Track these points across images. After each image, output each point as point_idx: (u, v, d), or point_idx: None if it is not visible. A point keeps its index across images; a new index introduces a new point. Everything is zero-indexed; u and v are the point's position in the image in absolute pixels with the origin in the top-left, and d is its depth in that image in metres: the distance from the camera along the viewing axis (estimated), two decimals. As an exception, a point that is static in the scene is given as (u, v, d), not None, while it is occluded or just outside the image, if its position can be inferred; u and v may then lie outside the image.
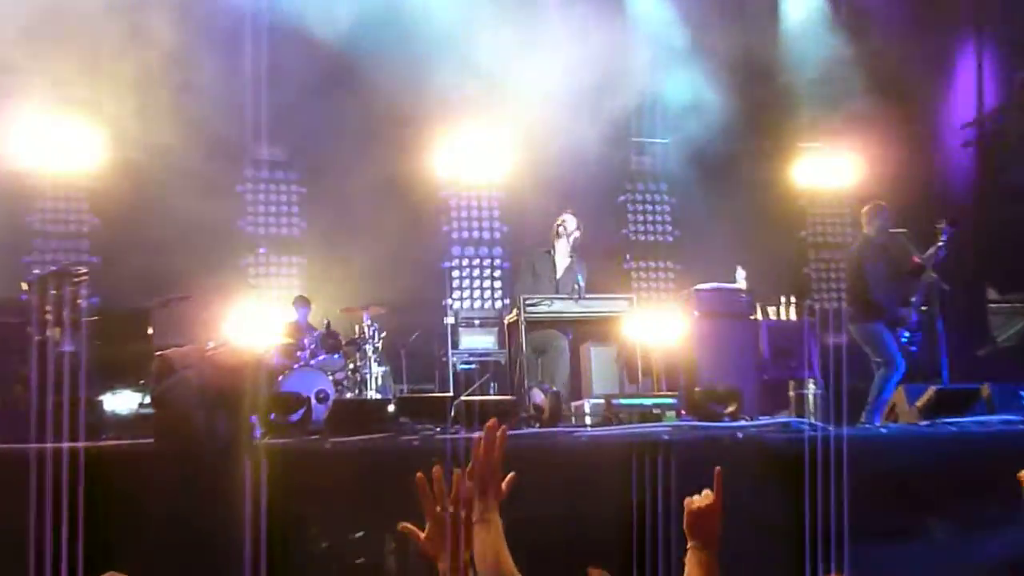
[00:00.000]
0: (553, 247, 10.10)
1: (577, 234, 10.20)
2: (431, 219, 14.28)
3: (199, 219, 12.43)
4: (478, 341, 13.36)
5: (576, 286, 9.72)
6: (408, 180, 13.65)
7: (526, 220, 12.38)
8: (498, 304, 13.87)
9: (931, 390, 9.12)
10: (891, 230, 10.58)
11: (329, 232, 13.62)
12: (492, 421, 3.13)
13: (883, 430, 8.30)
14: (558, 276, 10.03)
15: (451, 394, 11.67)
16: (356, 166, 13.16)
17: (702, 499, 3.43)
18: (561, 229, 10.12)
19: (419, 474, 3.13)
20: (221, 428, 6.32)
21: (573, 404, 11.30)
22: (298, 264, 14.00)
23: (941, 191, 14.03)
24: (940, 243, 10.40)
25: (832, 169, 15.19)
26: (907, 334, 10.33)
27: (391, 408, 8.32)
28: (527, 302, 9.39)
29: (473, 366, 13.49)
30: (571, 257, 10.12)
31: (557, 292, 9.95)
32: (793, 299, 13.18)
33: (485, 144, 14.14)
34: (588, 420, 10.07)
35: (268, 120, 13.70)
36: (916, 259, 10.57)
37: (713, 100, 13.92)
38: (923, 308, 10.58)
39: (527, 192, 13.40)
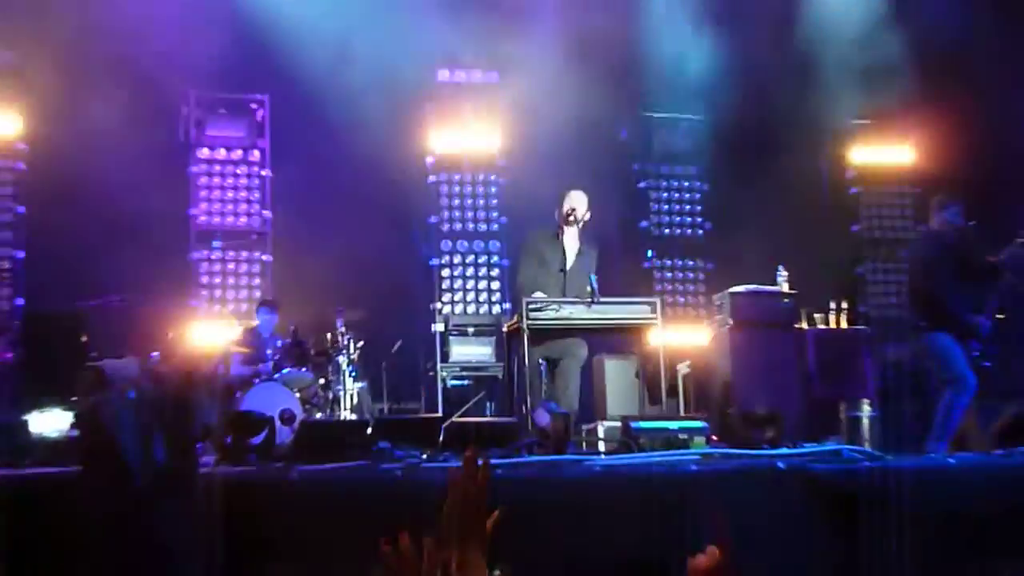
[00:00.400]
0: (561, 230, 10.03)
1: (587, 216, 10.12)
2: (417, 208, 14.25)
3: (142, 207, 12.41)
4: (472, 352, 13.33)
5: (590, 288, 9.64)
6: (391, 162, 13.61)
7: (529, 209, 12.34)
8: (496, 308, 13.85)
9: (1008, 413, 9.05)
10: (962, 224, 10.51)
11: (297, 223, 13.56)
12: (470, 451, 3.02)
13: (951, 460, 8.21)
14: (567, 265, 9.95)
15: (440, 415, 11.63)
16: (330, 146, 13.11)
17: (707, 558, 3.06)
18: (569, 210, 10.02)
19: (384, 546, 3.00)
20: (160, 456, 6.26)
21: (585, 427, 11.28)
22: (260, 261, 13.91)
23: (1018, 178, 13.98)
24: (1020, 240, 10.35)
25: (891, 151, 15.18)
26: (980, 346, 10.27)
27: (369, 431, 8.25)
28: (531, 306, 9.31)
29: (466, 382, 13.46)
30: (581, 243, 10.03)
31: (565, 284, 9.86)
32: (845, 305, 13.14)
33: (481, 120, 14.13)
34: (602, 447, 10.02)
35: (223, 92, 13.71)
36: (991, 259, 10.50)
37: (752, 69, 13.88)
38: (999, 316, 10.51)
39: (530, 176, 13.35)
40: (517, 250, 10.47)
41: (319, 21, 12.91)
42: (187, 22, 12.62)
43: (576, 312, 9.43)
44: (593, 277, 9.69)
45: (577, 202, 10.06)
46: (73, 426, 8.40)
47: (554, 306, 9.41)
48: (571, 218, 9.95)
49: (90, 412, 6.42)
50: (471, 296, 13.97)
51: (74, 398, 9.93)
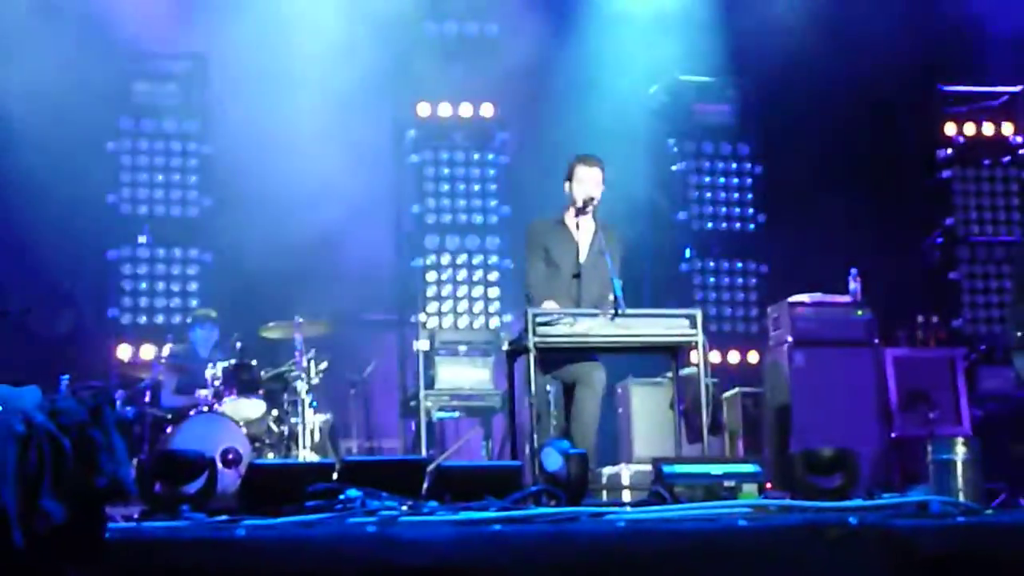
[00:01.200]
0: (567, 212, 9.99)
1: (597, 193, 10.03)
2: (396, 195, 14.24)
3: (49, 191, 12.40)
4: (464, 376, 13.37)
5: (612, 296, 9.63)
6: (362, 135, 13.60)
7: (538, 196, 12.36)
8: (494, 322, 13.80)
9: None
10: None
11: (245, 212, 13.51)
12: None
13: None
14: (582, 260, 9.91)
15: (424, 456, 11.64)
16: (283, 113, 13.10)
17: None
18: (585, 198, 9.96)
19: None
20: (54, 511, 6.23)
21: (606, 471, 11.28)
22: (198, 260, 13.87)
23: None
24: None
25: (993, 127, 15.18)
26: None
27: (334, 476, 8.26)
28: (538, 319, 9.29)
29: (457, 414, 13.50)
30: (600, 235, 9.97)
31: (580, 291, 9.82)
32: (934, 319, 13.16)
33: (472, 81, 14.14)
34: (628, 496, 10.03)
35: (152, 42, 13.71)
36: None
37: (817, 23, 13.92)
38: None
39: (539, 154, 13.37)
40: (523, 248, 10.38)
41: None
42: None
43: (595, 327, 9.39)
44: (617, 282, 9.67)
45: (594, 183, 9.99)
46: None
47: (568, 319, 9.37)
48: (588, 207, 9.90)
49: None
50: (463, 306, 13.87)
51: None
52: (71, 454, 6.23)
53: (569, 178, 9.97)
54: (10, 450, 6.23)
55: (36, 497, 6.12)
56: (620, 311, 9.37)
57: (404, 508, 7.57)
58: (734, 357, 14.08)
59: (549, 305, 9.68)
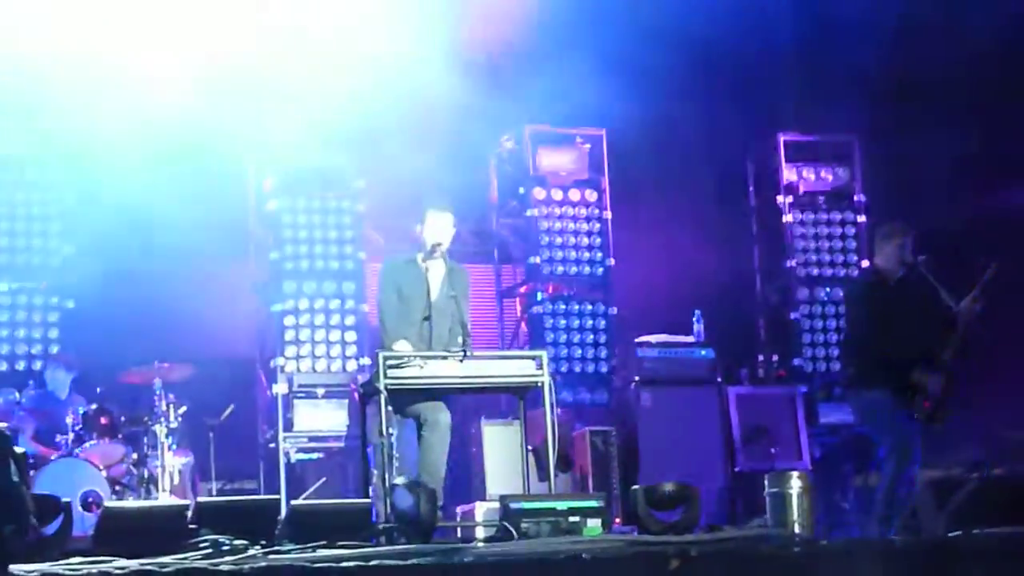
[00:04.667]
0: (418, 254, 10.06)
1: (447, 238, 10.13)
2: (254, 236, 14.17)
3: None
4: (323, 419, 13.32)
5: (462, 338, 9.69)
6: (221, 182, 13.56)
7: (396, 240, 12.39)
8: (351, 365, 13.75)
9: (968, 484, 9.24)
10: (910, 259, 10.71)
11: (101, 248, 13.36)
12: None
13: (896, 543, 8.38)
14: (433, 299, 9.97)
15: (278, 496, 11.59)
16: (144, 160, 13.00)
17: None
18: (433, 243, 10.04)
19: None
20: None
21: (461, 509, 11.30)
22: (58, 307, 13.71)
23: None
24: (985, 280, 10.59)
25: (832, 173, 15.44)
26: (927, 406, 10.43)
27: (189, 517, 8.23)
28: (389, 362, 9.33)
29: (316, 455, 13.44)
30: (449, 274, 10.03)
31: (431, 334, 9.87)
32: (775, 357, 13.33)
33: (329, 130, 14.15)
34: (480, 533, 10.05)
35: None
36: (949, 304, 10.67)
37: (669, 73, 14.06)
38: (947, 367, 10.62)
39: (397, 195, 13.35)
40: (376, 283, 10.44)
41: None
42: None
43: (445, 369, 9.46)
44: (467, 320, 9.75)
45: (444, 228, 10.09)
46: None
47: (418, 362, 9.42)
48: (436, 252, 9.99)
49: None
50: (321, 350, 13.76)
51: None
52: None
53: (421, 222, 10.07)
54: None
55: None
56: (468, 353, 9.45)
57: (258, 549, 7.57)
58: (584, 396, 14.14)
59: (401, 344, 9.75)
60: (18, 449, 11.35)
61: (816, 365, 14.71)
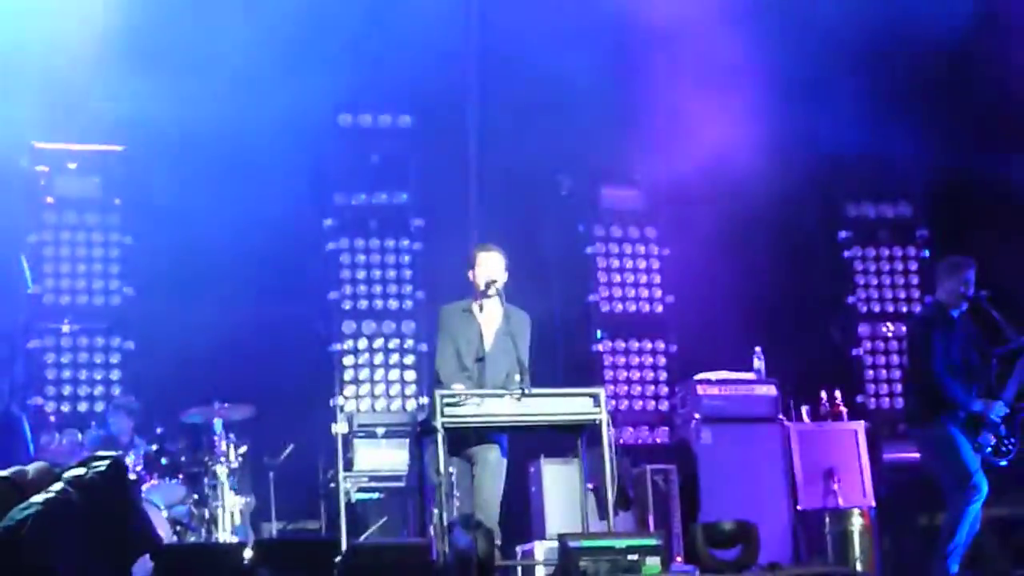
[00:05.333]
0: (477, 303, 10.03)
1: (500, 277, 10.07)
2: (314, 280, 14.22)
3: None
4: (383, 459, 13.32)
5: (520, 375, 9.63)
6: (280, 224, 13.60)
7: (452, 281, 12.40)
8: (411, 404, 13.76)
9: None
10: (972, 293, 10.64)
11: (166, 300, 13.48)
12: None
13: (960, 582, 8.30)
14: (486, 344, 9.92)
15: (332, 537, 11.54)
16: (202, 206, 13.10)
17: None
18: (487, 281, 10.00)
19: None
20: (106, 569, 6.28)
21: (521, 549, 11.26)
22: (116, 347, 13.78)
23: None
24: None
25: (892, 207, 15.35)
26: (993, 440, 10.35)
27: (246, 557, 8.22)
28: (446, 400, 9.30)
29: (377, 495, 13.42)
30: (505, 316, 9.96)
31: (485, 375, 9.83)
32: (838, 394, 13.22)
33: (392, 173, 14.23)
34: (541, 572, 10.01)
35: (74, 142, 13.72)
36: (1012, 339, 10.62)
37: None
38: (1010, 402, 10.55)
39: (453, 240, 13.39)
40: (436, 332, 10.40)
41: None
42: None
43: (501, 407, 9.40)
44: (524, 358, 9.69)
45: (495, 267, 10.04)
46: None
47: (475, 400, 9.37)
48: (490, 290, 9.94)
49: (11, 538, 6.38)
50: (380, 389, 13.83)
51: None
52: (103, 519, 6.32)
53: (471, 266, 10.04)
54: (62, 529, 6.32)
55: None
56: (525, 392, 9.39)
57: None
58: (644, 434, 14.09)
59: (458, 388, 9.70)
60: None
61: (879, 401, 14.63)
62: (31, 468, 7.45)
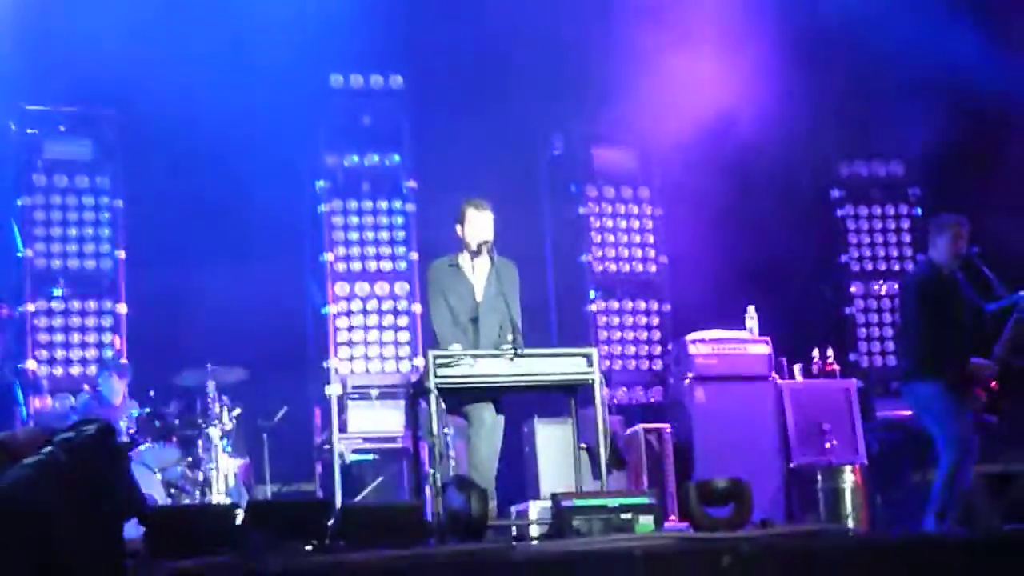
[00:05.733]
0: (461, 254, 10.02)
1: (490, 235, 10.03)
2: (307, 242, 14.22)
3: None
4: (377, 420, 13.33)
5: (513, 335, 9.62)
6: (273, 188, 13.60)
7: (445, 242, 12.40)
8: (405, 366, 13.77)
9: (1022, 478, 9.14)
10: (964, 252, 10.63)
11: (155, 265, 13.48)
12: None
13: (951, 538, 8.30)
14: (478, 300, 9.92)
15: (322, 498, 11.57)
16: (195, 170, 13.09)
17: None
18: (473, 232, 9.99)
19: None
20: (98, 541, 6.28)
21: (516, 509, 11.27)
22: (108, 311, 13.75)
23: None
24: None
25: (884, 165, 15.36)
26: (980, 397, 10.36)
27: (239, 519, 8.21)
28: (439, 361, 9.29)
29: (371, 456, 13.44)
30: (495, 272, 9.95)
31: (478, 335, 9.83)
32: (830, 353, 13.24)
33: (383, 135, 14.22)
34: (534, 531, 10.02)
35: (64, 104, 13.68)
36: (1005, 296, 10.63)
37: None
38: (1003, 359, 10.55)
39: (446, 201, 13.37)
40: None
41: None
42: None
43: (495, 367, 9.40)
44: (517, 319, 9.69)
45: (486, 226, 10.03)
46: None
47: (468, 360, 9.38)
48: (482, 251, 9.93)
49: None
50: (374, 351, 13.84)
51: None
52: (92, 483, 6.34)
53: (460, 221, 10.03)
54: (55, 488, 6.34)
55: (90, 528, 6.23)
56: (518, 351, 9.40)
57: (308, 549, 7.58)
58: (638, 394, 14.13)
59: (455, 347, 9.70)
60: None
61: (872, 360, 14.67)
62: (21, 432, 7.47)
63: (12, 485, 6.31)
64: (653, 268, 14.73)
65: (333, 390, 13.35)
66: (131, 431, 12.04)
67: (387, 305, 13.98)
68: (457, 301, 9.93)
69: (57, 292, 13.59)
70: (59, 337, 13.57)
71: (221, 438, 12.07)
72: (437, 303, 10.05)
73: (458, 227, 10.02)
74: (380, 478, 13.51)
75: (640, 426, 12.34)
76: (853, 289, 14.90)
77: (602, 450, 9.52)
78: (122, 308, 13.73)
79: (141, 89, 13.06)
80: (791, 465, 12.34)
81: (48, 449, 6.50)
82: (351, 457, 13.28)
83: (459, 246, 10.12)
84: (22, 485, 6.24)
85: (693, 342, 12.44)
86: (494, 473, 9.79)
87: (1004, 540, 7.86)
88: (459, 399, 9.69)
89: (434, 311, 10.09)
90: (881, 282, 14.84)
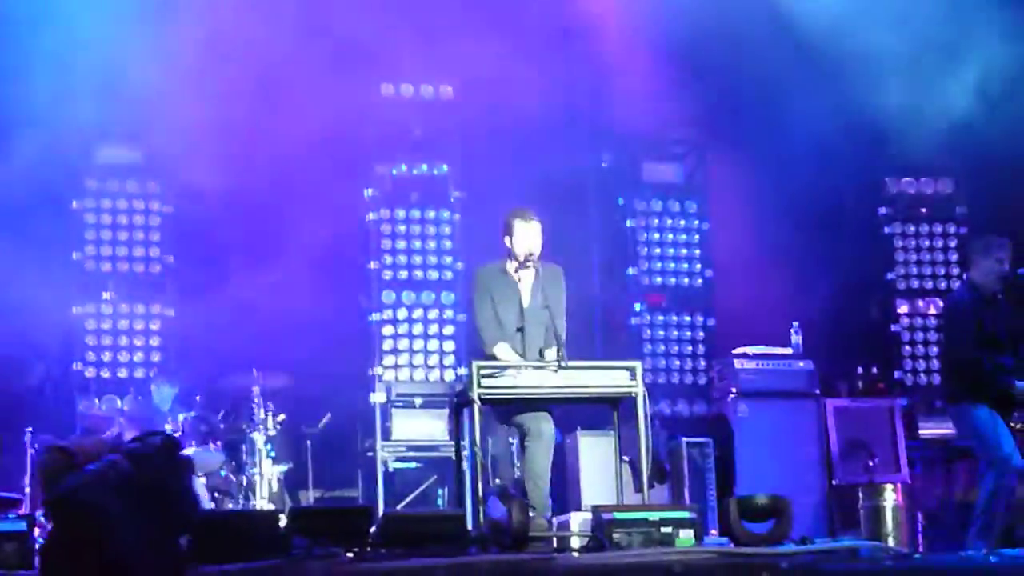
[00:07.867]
0: (509, 262, 10.01)
1: (537, 248, 10.03)
2: (353, 250, 14.28)
3: (16, 248, 12.41)
4: (420, 428, 13.37)
5: (558, 350, 9.64)
6: (321, 194, 13.67)
7: (489, 251, 12.44)
8: (449, 374, 13.83)
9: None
10: (1005, 273, 10.61)
11: (206, 269, 13.59)
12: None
13: (993, 559, 8.29)
14: (524, 319, 9.92)
15: (366, 505, 11.59)
16: (244, 176, 13.16)
17: None
18: (520, 244, 9.96)
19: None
20: (157, 547, 6.38)
21: (557, 520, 11.29)
22: (156, 315, 13.84)
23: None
24: None
25: (932, 183, 15.32)
26: (1024, 420, 10.36)
27: (282, 524, 8.28)
28: (483, 371, 9.32)
29: (414, 464, 13.49)
30: (540, 283, 9.93)
31: (525, 343, 9.84)
32: (875, 371, 13.22)
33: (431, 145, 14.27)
34: (576, 543, 10.04)
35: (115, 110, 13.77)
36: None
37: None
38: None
39: (492, 211, 13.41)
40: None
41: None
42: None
43: (539, 379, 9.42)
44: (561, 331, 9.71)
45: (534, 239, 10.02)
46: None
47: (512, 371, 9.40)
48: (528, 261, 9.94)
49: (64, 497, 6.49)
50: (419, 359, 13.89)
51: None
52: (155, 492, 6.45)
53: (508, 232, 10.02)
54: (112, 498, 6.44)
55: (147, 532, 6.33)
56: (562, 363, 9.42)
57: (350, 556, 7.63)
58: (682, 408, 14.13)
59: (501, 348, 9.73)
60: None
61: (917, 378, 14.62)
62: (87, 439, 7.58)
63: (77, 488, 6.41)
64: (699, 282, 14.73)
65: (378, 398, 13.44)
66: (176, 434, 12.11)
67: (433, 314, 14.03)
68: (504, 309, 9.91)
69: (106, 295, 13.67)
70: (107, 340, 13.66)
71: (265, 443, 12.15)
72: (483, 305, 10.01)
73: (505, 238, 9.99)
74: (422, 486, 13.55)
75: (683, 439, 12.36)
76: (900, 308, 14.84)
77: (644, 463, 9.53)
78: (170, 312, 13.81)
79: (193, 95, 13.15)
80: (833, 482, 12.34)
81: (114, 457, 6.60)
82: (394, 465, 13.34)
83: (507, 255, 10.12)
84: (87, 490, 6.34)
85: (738, 357, 12.47)
86: (548, 485, 9.82)
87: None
88: (511, 410, 9.71)
89: (479, 312, 10.05)
90: (927, 300, 14.80)
